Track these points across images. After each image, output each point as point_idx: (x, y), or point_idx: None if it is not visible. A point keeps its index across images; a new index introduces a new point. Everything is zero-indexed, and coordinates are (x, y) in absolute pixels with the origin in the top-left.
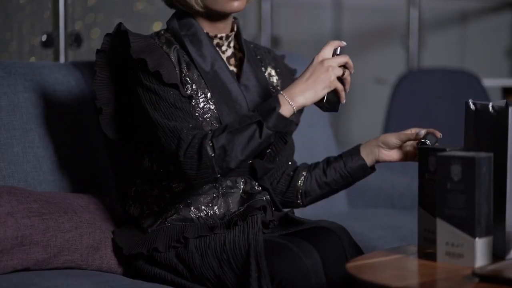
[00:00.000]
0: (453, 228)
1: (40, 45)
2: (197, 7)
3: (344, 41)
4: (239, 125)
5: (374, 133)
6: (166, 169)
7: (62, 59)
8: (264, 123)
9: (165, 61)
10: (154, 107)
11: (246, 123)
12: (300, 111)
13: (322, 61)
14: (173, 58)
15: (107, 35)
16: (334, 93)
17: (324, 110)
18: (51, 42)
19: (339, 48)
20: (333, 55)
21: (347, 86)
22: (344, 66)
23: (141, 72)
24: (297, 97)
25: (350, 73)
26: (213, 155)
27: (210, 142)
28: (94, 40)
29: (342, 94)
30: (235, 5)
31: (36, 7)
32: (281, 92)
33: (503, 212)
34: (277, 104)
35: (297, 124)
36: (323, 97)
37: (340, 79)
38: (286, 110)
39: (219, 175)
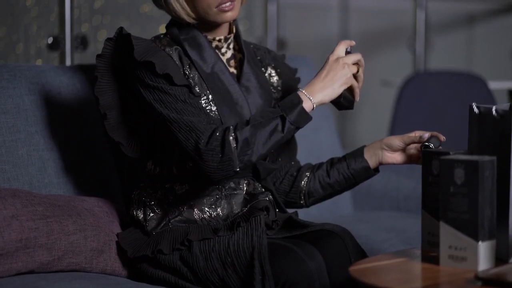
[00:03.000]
0: (456, 231)
1: (47, 48)
2: (189, 19)
3: None
4: (262, 118)
5: (380, 135)
6: (169, 171)
7: (68, 61)
8: (287, 118)
9: (170, 63)
10: (165, 105)
11: (269, 117)
12: None
13: (337, 59)
14: (176, 59)
15: (108, 39)
16: (349, 90)
17: (339, 109)
18: (57, 45)
19: (349, 47)
20: (346, 54)
21: (360, 84)
22: (356, 64)
23: (146, 74)
24: (317, 94)
25: (362, 71)
26: (235, 147)
27: (233, 134)
28: (101, 43)
29: (357, 91)
30: (228, 15)
31: (42, 9)
32: (301, 89)
33: (506, 215)
34: (300, 100)
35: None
36: (340, 95)
37: (354, 76)
38: (307, 106)
39: (238, 169)
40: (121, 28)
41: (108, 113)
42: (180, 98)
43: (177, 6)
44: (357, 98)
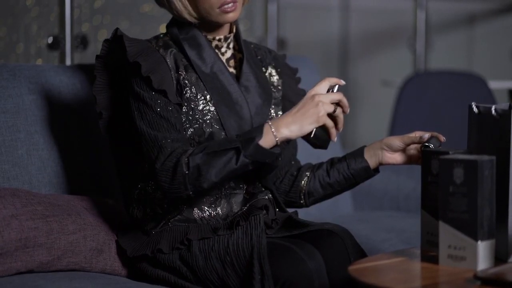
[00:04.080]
0: (456, 231)
1: (47, 48)
2: (191, 19)
3: (351, 43)
4: (218, 148)
5: (380, 135)
6: None
7: (68, 61)
8: (242, 151)
9: (160, 65)
10: (141, 115)
11: (225, 147)
12: None
13: (313, 96)
14: (169, 62)
15: (106, 41)
16: (324, 129)
17: (314, 147)
18: (57, 45)
19: (336, 86)
20: (329, 91)
21: (340, 125)
22: (338, 104)
23: (134, 77)
24: (282, 129)
25: (345, 112)
26: (187, 172)
27: (186, 159)
28: (101, 42)
29: (332, 131)
30: (230, 16)
31: (42, 9)
32: (268, 121)
33: (505, 215)
34: (259, 134)
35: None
36: (311, 132)
37: (333, 116)
38: (268, 140)
39: (191, 193)
40: (116, 29)
41: (104, 112)
42: (156, 110)
43: (179, 5)
44: (334, 138)
